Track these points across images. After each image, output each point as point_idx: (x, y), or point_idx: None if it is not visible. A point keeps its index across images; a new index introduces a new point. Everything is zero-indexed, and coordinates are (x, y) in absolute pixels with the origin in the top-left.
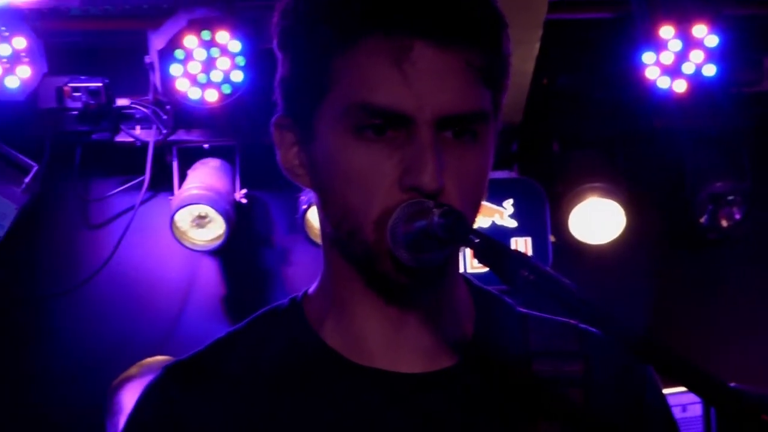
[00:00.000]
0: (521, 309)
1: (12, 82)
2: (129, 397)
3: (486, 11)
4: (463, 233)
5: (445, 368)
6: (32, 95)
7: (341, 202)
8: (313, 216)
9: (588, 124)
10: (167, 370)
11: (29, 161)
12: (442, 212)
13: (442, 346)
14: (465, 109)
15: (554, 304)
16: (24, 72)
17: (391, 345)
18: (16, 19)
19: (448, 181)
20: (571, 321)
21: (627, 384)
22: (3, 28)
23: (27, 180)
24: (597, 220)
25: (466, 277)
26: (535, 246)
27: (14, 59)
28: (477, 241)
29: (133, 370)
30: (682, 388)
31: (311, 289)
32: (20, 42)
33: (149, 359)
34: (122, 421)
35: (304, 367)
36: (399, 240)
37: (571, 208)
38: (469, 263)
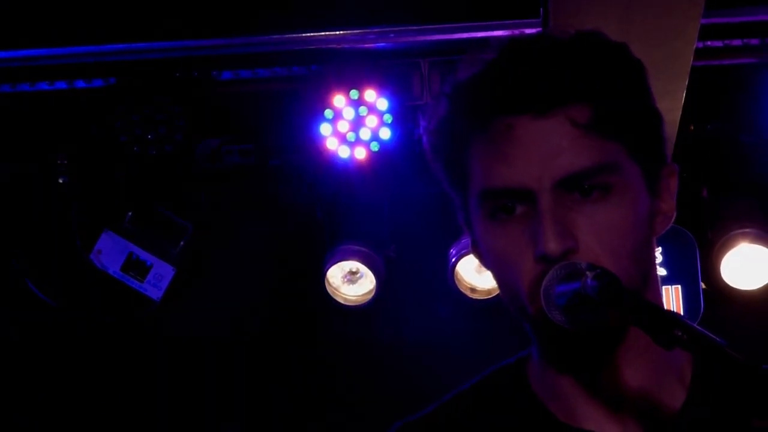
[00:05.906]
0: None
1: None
2: None
3: (574, 67)
4: (616, 296)
5: (657, 428)
6: (188, 157)
7: (500, 281)
8: (462, 269)
9: (737, 169)
10: (396, 430)
11: (184, 222)
12: (594, 275)
13: (649, 408)
14: (580, 167)
15: (708, 361)
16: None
17: (593, 406)
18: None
19: (585, 239)
20: None
21: None
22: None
23: (182, 242)
24: (749, 266)
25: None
26: (686, 294)
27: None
28: (630, 302)
29: None
30: None
31: (533, 349)
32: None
33: None
34: None
35: (524, 428)
36: (553, 302)
37: (723, 255)
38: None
